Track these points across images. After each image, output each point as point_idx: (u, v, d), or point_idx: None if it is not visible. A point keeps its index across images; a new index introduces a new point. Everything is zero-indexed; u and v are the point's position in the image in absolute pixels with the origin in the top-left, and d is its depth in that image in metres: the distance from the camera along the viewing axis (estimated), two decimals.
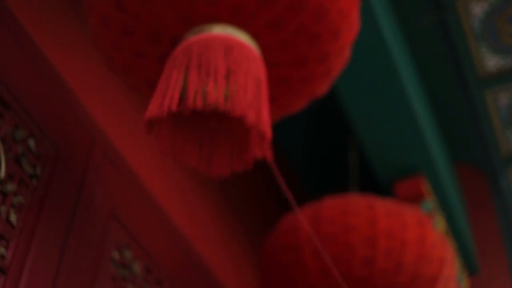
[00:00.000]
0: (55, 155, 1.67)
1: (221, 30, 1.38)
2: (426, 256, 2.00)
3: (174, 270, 2.06)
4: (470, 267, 3.31)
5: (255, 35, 1.42)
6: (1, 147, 1.48)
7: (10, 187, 1.49)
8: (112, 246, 1.80)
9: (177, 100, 1.26)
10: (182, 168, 2.34)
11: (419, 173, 2.81)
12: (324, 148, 3.24)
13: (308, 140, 3.15)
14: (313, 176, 3.34)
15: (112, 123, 1.98)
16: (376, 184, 2.93)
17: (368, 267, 1.94)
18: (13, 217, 1.47)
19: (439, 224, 2.77)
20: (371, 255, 1.95)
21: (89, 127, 1.83)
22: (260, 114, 1.27)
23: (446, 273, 2.06)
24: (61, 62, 1.81)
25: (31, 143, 1.59)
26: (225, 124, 1.42)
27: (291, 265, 2.05)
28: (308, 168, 3.30)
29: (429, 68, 3.18)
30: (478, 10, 3.01)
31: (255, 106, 1.26)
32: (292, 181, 3.18)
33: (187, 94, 1.26)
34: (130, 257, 1.86)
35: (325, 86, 1.59)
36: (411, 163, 2.80)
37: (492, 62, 3.18)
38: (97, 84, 2.00)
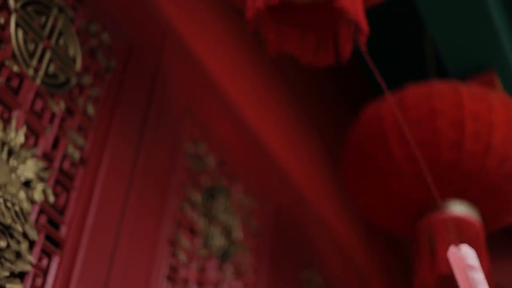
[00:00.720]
0: (129, 49, 1.68)
1: None
2: None
3: (247, 163, 2.08)
4: None
5: None
6: (77, 40, 1.50)
7: (87, 79, 1.51)
8: (187, 139, 1.83)
9: None
10: (252, 64, 2.33)
11: (492, 70, 2.74)
12: (398, 47, 3.17)
13: (381, 39, 3.09)
14: (386, 75, 3.28)
15: (183, 18, 1.97)
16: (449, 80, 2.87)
17: (456, 150, 1.92)
18: (90, 109, 1.50)
19: None
20: (458, 138, 1.92)
21: (161, 22, 1.83)
22: (354, 4, 1.23)
23: None
24: None
25: (105, 36, 1.60)
26: (317, 17, 1.38)
27: (376, 153, 2.04)
28: (382, 68, 3.24)
29: None
30: None
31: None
32: (363, 81, 3.14)
33: None
34: (204, 150, 1.89)
35: None
36: (484, 59, 2.73)
37: None
38: None
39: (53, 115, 1.40)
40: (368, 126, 2.08)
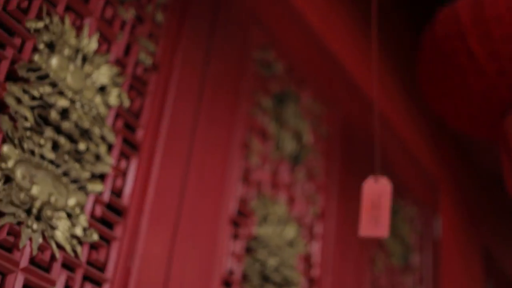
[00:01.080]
0: None
1: None
2: None
3: (315, 70, 2.08)
4: None
5: None
6: None
7: None
8: (255, 46, 1.83)
9: None
10: None
11: None
12: None
13: None
14: None
15: None
16: None
17: None
18: (159, 17, 1.52)
19: None
20: None
21: None
22: None
23: None
24: None
25: None
26: None
27: (455, 52, 2.00)
28: None
29: None
30: None
31: None
32: None
33: None
34: (272, 57, 1.89)
35: None
36: None
37: None
38: None
39: (123, 23, 1.42)
40: (445, 27, 2.03)
